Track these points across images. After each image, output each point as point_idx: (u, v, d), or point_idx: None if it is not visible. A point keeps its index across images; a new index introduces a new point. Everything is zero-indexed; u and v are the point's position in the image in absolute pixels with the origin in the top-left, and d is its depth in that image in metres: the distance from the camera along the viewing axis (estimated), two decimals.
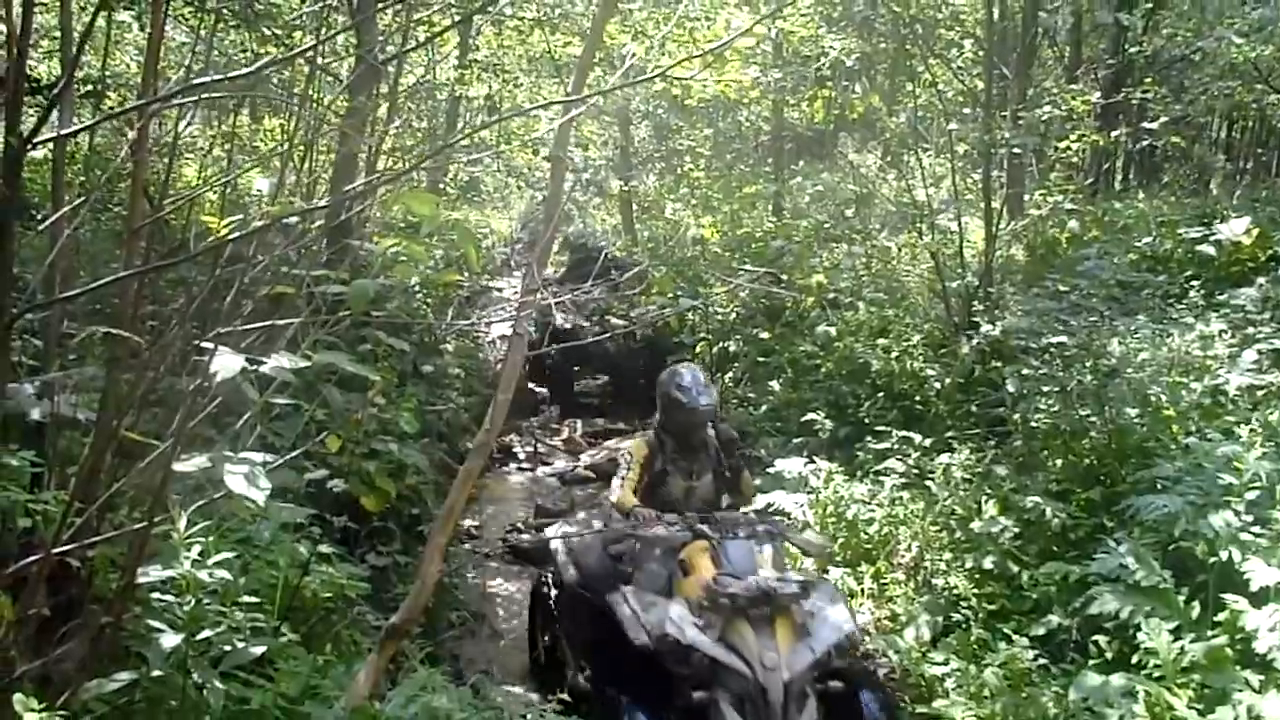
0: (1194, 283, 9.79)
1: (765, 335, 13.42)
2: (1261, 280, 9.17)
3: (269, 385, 3.01)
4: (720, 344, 14.09)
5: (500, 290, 18.80)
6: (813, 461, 9.38)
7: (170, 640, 2.73)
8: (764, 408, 12.19)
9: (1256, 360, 7.81)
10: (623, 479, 6.26)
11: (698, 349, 14.52)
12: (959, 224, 11.46)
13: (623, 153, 20.40)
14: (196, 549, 2.83)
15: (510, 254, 24.51)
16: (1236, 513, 5.91)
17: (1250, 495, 5.97)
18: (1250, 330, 8.44)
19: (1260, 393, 7.53)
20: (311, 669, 3.72)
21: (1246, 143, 17.66)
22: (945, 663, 6.75)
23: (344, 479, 4.18)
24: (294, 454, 3.05)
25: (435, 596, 7.47)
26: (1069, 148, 11.17)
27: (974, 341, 9.22)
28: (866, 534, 8.66)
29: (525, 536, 10.68)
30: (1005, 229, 11.61)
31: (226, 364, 2.63)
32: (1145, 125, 10.47)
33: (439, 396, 9.30)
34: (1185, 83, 14.48)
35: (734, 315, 14.80)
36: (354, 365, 2.68)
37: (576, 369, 16.70)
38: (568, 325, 15.96)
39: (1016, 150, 10.37)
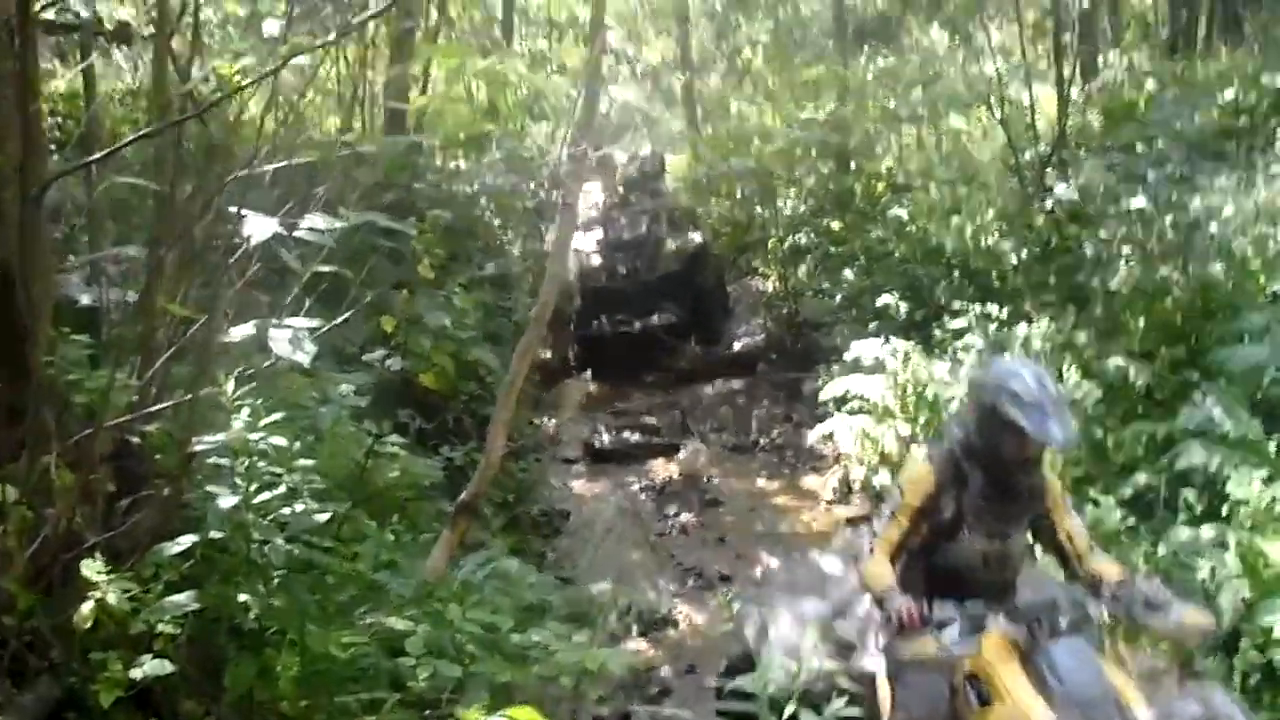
0: None
1: (836, 225, 13.18)
2: None
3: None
4: (791, 237, 13.90)
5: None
6: (889, 343, 9.22)
7: (227, 502, 2.78)
8: (839, 297, 12.04)
9: None
10: (878, 536, 3.93)
11: (769, 245, 14.34)
12: (1029, 92, 11.07)
13: (684, 51, 20.08)
14: (245, 412, 2.86)
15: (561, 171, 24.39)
16: None
17: None
18: None
19: None
20: (384, 546, 3.78)
21: None
22: None
23: (402, 356, 4.19)
24: (340, 321, 3.06)
25: (516, 495, 7.59)
26: None
27: (1047, 205, 8.94)
28: (949, 413, 8.54)
29: (606, 438, 10.76)
30: (1079, 94, 11.18)
31: (259, 227, 2.63)
32: None
33: (507, 297, 9.32)
34: None
35: (803, 208, 14.58)
36: (392, 222, 2.66)
37: (618, 320, 12.99)
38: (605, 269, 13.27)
39: (1086, 5, 9.92)
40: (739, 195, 15.68)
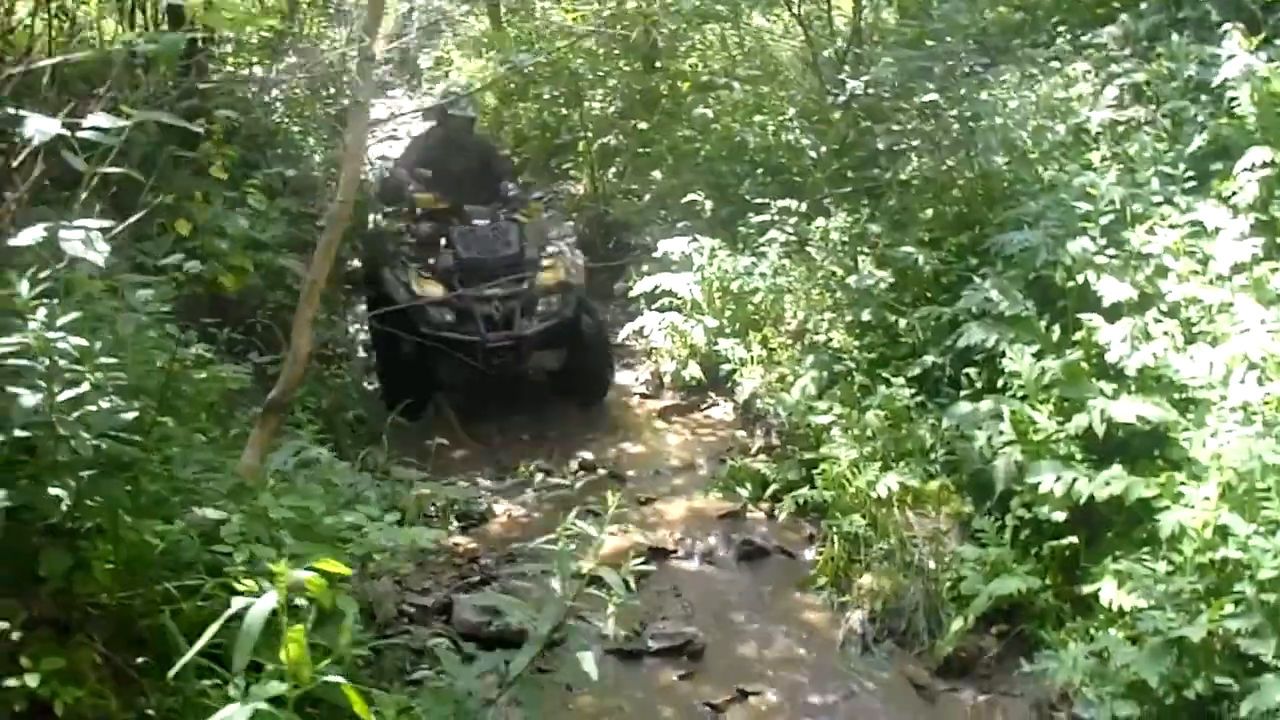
0: (1061, 28, 9.82)
1: (644, 126, 13.27)
2: (1123, 16, 9.22)
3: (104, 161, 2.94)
4: (600, 140, 13.92)
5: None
6: (696, 240, 9.44)
7: (29, 400, 2.73)
8: (647, 197, 12.20)
9: (1117, 96, 7.96)
10: None
11: (579, 148, 14.33)
12: None
13: None
14: (41, 313, 2.79)
15: (382, 75, 23.68)
16: (1093, 238, 6.13)
17: (1105, 220, 6.19)
18: (1113, 68, 8.54)
19: (1121, 128, 7.69)
20: (194, 447, 3.77)
21: None
22: (828, 410, 7.05)
23: (199, 260, 4.11)
24: (133, 220, 3.00)
25: (331, 402, 7.55)
26: None
27: (840, 99, 9.24)
28: (753, 304, 8.85)
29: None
30: None
31: (41, 126, 2.56)
32: None
33: (310, 204, 9.04)
34: None
35: (611, 110, 14.59)
36: (175, 119, 2.62)
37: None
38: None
39: None
40: (546, 98, 15.56)
